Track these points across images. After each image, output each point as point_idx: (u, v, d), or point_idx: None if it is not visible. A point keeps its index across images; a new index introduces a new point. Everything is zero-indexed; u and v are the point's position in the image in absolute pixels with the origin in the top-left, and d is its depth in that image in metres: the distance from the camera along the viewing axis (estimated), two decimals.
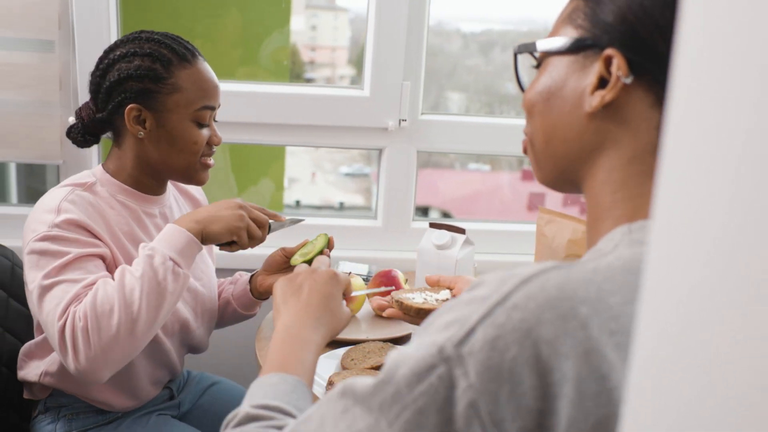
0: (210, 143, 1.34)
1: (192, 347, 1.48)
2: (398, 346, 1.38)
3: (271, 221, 1.37)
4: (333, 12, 6.81)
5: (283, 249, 1.47)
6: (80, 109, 1.35)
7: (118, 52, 1.29)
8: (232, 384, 1.65)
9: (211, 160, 1.36)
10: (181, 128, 1.29)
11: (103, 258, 1.23)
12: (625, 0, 0.66)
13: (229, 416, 0.75)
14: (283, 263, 1.46)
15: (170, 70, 1.27)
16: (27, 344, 1.37)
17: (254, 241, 1.32)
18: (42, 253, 1.18)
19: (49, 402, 1.37)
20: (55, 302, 1.14)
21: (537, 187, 6.91)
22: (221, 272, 1.63)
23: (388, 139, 1.95)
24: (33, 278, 1.18)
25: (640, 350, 0.34)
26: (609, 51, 0.66)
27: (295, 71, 3.39)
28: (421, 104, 1.94)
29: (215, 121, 1.36)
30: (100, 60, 1.31)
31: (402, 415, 0.57)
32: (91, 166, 1.86)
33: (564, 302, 0.56)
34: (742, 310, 0.28)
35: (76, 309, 1.12)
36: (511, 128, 1.99)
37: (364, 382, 0.61)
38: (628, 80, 0.65)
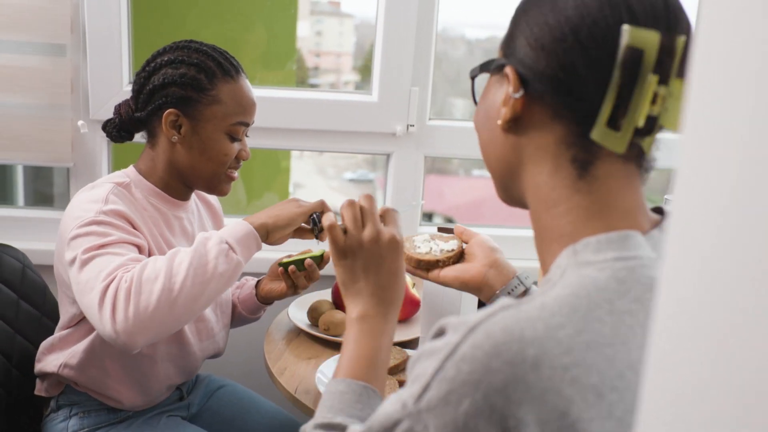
0: (239, 157, 1.37)
1: (214, 352, 1.50)
2: (405, 350, 1.39)
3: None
4: (338, 18, 6.81)
5: (289, 256, 1.49)
6: (119, 105, 1.38)
7: (166, 57, 1.31)
8: (239, 387, 1.66)
9: (235, 174, 1.39)
10: (214, 139, 1.32)
11: (140, 249, 1.25)
12: (525, 21, 0.68)
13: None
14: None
15: (213, 82, 1.31)
16: (49, 338, 1.38)
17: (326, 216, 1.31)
18: (87, 234, 1.19)
19: (61, 400, 1.38)
20: (98, 268, 1.15)
21: None
22: None
23: (396, 145, 1.96)
24: (74, 254, 1.18)
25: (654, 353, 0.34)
26: (507, 69, 0.69)
27: (299, 77, 3.41)
28: (429, 110, 1.95)
29: (247, 136, 1.40)
30: (147, 62, 1.34)
31: None
32: (101, 170, 1.87)
33: (511, 346, 0.57)
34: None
35: (124, 274, 1.13)
36: None
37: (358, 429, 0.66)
38: (517, 95, 0.67)
